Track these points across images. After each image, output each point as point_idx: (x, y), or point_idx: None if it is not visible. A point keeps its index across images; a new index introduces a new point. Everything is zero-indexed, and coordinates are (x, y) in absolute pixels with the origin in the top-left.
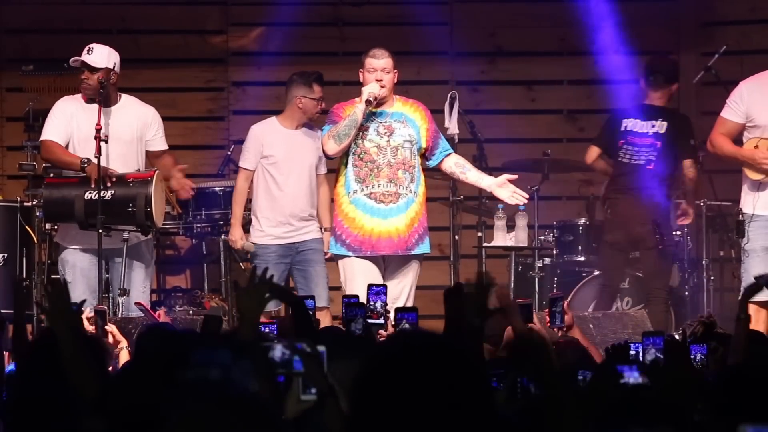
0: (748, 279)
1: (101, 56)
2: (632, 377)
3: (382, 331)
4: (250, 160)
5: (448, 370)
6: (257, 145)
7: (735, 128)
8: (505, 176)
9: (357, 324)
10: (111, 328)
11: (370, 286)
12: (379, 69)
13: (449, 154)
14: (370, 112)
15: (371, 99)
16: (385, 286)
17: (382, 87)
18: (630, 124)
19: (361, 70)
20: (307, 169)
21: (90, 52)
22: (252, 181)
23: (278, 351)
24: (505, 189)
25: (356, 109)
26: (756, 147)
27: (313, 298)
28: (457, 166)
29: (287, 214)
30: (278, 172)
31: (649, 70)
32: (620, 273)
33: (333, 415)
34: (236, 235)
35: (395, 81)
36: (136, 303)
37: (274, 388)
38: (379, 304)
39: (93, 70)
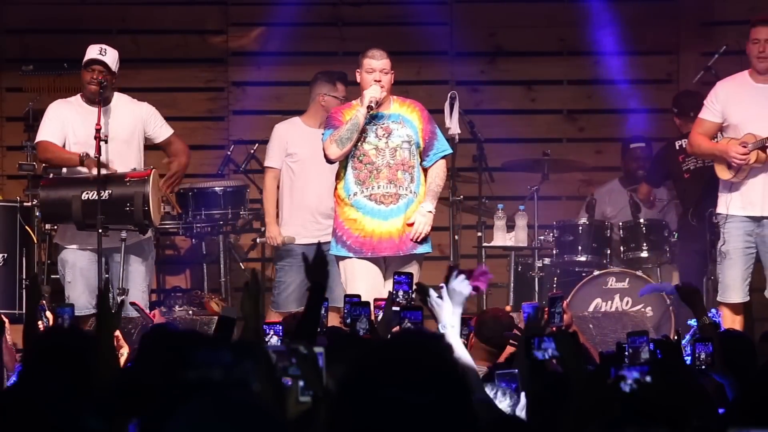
0: (725, 281)
1: (113, 59)
2: (630, 380)
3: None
4: (275, 159)
5: (429, 371)
6: (281, 143)
7: (712, 128)
8: (415, 220)
9: (362, 323)
10: (116, 332)
11: (395, 274)
12: (377, 69)
13: (443, 157)
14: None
15: (373, 104)
16: (408, 275)
17: (381, 88)
18: (685, 142)
19: (358, 70)
20: (331, 168)
21: (104, 53)
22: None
23: (276, 353)
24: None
25: (357, 113)
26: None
27: (327, 299)
28: (429, 176)
29: (313, 212)
30: (302, 170)
31: (688, 105)
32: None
33: (325, 416)
34: (274, 232)
35: (392, 82)
36: (131, 303)
37: (275, 388)
38: (401, 293)
39: (108, 70)
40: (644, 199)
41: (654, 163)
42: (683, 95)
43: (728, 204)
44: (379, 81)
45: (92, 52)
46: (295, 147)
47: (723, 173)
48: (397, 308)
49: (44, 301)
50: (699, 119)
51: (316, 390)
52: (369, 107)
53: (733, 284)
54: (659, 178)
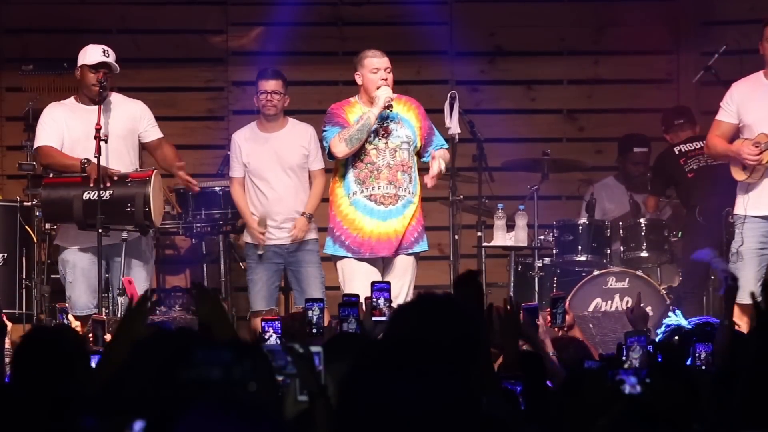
0: (741, 281)
1: (114, 59)
2: (630, 383)
3: None
4: (236, 169)
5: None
6: (237, 152)
7: (729, 129)
8: (433, 169)
9: (350, 324)
10: (108, 338)
11: (373, 283)
12: (382, 68)
13: (440, 149)
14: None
15: (390, 103)
16: (388, 283)
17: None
18: (683, 147)
19: (357, 72)
20: (290, 170)
21: (107, 54)
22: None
23: (272, 351)
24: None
25: (370, 113)
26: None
27: (323, 300)
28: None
29: (276, 218)
30: (258, 177)
31: (671, 117)
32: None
33: (322, 415)
34: (253, 226)
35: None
36: (124, 278)
37: (274, 388)
38: (382, 301)
39: (112, 72)
40: (654, 212)
41: (655, 173)
42: (665, 113)
43: (746, 205)
44: (385, 80)
45: (96, 53)
46: (248, 156)
47: (738, 174)
48: (378, 317)
49: (66, 304)
50: (716, 121)
51: (312, 387)
52: (389, 106)
53: (746, 285)
54: (662, 187)
